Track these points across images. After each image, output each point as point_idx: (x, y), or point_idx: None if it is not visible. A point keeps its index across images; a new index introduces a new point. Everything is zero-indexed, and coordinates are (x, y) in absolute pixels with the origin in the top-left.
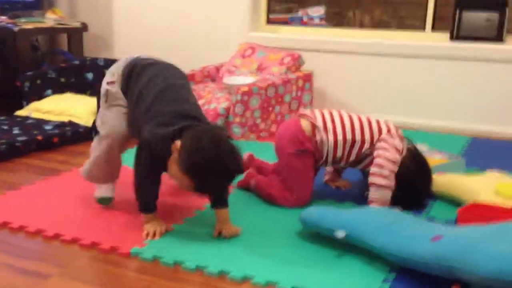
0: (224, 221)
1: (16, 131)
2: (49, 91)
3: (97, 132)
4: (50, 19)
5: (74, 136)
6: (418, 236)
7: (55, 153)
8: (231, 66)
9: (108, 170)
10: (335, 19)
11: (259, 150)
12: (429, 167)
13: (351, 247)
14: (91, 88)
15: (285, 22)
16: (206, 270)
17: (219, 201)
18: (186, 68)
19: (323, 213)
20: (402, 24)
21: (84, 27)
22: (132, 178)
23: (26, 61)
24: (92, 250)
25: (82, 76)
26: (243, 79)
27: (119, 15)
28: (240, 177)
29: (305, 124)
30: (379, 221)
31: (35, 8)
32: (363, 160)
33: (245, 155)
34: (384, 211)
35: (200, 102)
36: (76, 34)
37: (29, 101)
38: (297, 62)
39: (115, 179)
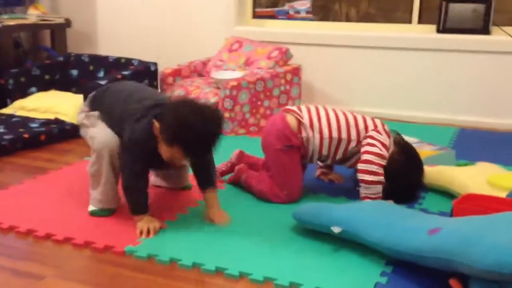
0: (214, 206)
1: (1, 129)
2: (33, 89)
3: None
4: (32, 15)
5: (61, 133)
6: (415, 229)
7: (41, 152)
8: (218, 61)
9: (116, 183)
10: (321, 12)
11: (249, 145)
12: (419, 159)
13: (347, 241)
14: (76, 85)
15: (271, 16)
16: (203, 267)
17: (207, 180)
18: (172, 63)
19: (317, 210)
20: (388, 16)
21: (68, 23)
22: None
23: (9, 58)
24: (86, 250)
25: (67, 73)
26: (231, 74)
27: (102, 10)
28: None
29: (291, 120)
30: (375, 215)
31: (17, 4)
32: (351, 158)
33: (234, 152)
34: (379, 204)
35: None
36: (60, 30)
37: (13, 99)
38: (285, 55)
39: None
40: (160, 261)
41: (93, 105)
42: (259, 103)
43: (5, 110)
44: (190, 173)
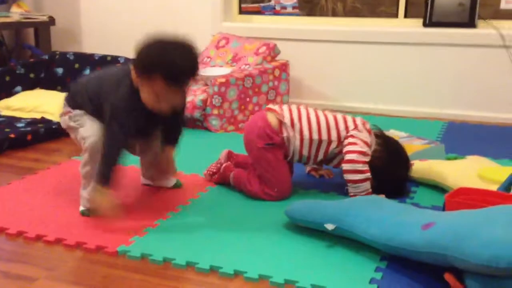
0: (171, 162)
1: None
2: (18, 88)
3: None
4: (15, 13)
5: (48, 133)
6: (408, 224)
7: (28, 151)
8: (205, 57)
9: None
10: (308, 7)
11: (238, 142)
12: (404, 152)
13: (340, 237)
14: (62, 84)
15: (257, 12)
16: (197, 266)
17: (173, 139)
18: None
19: (309, 207)
20: (374, 11)
21: (52, 21)
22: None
23: None
24: (77, 251)
25: (52, 71)
26: (219, 70)
27: (86, 8)
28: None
29: (272, 119)
30: (368, 211)
31: None
32: (333, 159)
33: (223, 152)
34: (371, 200)
35: None
36: (43, 28)
37: None
38: (273, 51)
39: None
40: (154, 261)
41: (74, 102)
42: (247, 99)
43: None
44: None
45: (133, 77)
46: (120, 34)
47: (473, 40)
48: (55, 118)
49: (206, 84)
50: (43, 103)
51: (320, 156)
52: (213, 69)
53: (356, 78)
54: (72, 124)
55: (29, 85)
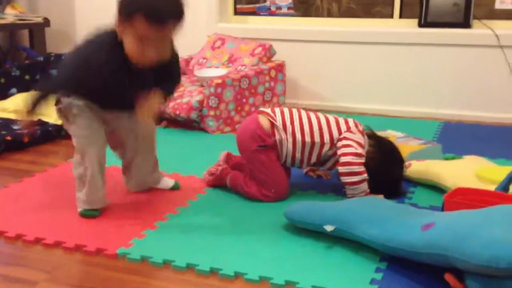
0: (149, 103)
1: None
2: (13, 90)
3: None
4: (10, 14)
5: (44, 135)
6: (408, 225)
7: (25, 154)
8: (201, 59)
9: (103, 183)
10: (303, 7)
11: (235, 143)
12: (397, 152)
13: (340, 238)
14: None
15: (252, 12)
16: (197, 268)
17: (164, 85)
18: None
19: (308, 209)
20: (369, 11)
21: (46, 22)
22: None
23: None
24: (77, 253)
25: (47, 73)
26: (215, 71)
27: (81, 9)
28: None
29: (264, 121)
30: (367, 212)
31: None
32: (326, 161)
33: (222, 154)
34: (370, 201)
35: None
36: (38, 30)
37: None
38: (269, 52)
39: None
40: (154, 263)
41: (62, 90)
42: (244, 100)
43: None
44: (174, 173)
45: (117, 29)
46: None
47: (468, 40)
48: (51, 120)
49: (202, 85)
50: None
51: (314, 158)
52: (209, 70)
53: (352, 79)
54: (63, 118)
55: (25, 87)
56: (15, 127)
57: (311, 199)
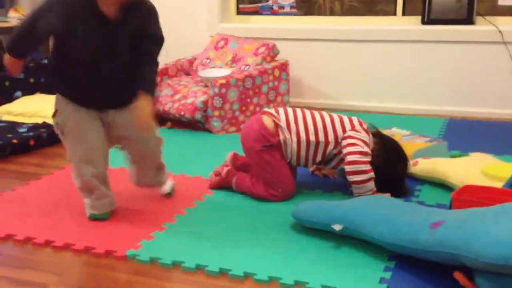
0: (143, 114)
1: None
2: (18, 93)
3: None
4: (13, 18)
5: (50, 138)
6: (417, 223)
7: (31, 157)
8: (204, 59)
9: (108, 189)
10: (305, 6)
11: (240, 143)
12: (401, 150)
13: (348, 237)
14: None
15: (255, 12)
16: (207, 269)
17: (142, 83)
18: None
19: (316, 208)
20: (372, 9)
21: None
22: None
23: None
24: (86, 255)
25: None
26: (219, 71)
27: None
28: None
29: (267, 121)
30: (375, 211)
31: None
32: (331, 160)
33: (229, 154)
34: (377, 199)
35: (177, 96)
36: None
37: None
38: (272, 51)
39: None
40: (163, 264)
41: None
42: (248, 100)
43: None
44: (180, 174)
45: None
46: None
47: (471, 36)
48: None
49: (207, 86)
50: (44, 108)
51: (318, 157)
52: (213, 71)
53: (356, 77)
54: (57, 131)
55: (29, 90)
56: (20, 130)
57: (318, 198)
